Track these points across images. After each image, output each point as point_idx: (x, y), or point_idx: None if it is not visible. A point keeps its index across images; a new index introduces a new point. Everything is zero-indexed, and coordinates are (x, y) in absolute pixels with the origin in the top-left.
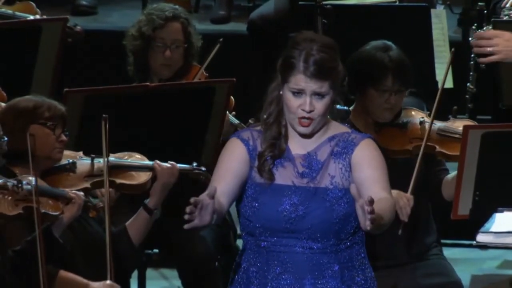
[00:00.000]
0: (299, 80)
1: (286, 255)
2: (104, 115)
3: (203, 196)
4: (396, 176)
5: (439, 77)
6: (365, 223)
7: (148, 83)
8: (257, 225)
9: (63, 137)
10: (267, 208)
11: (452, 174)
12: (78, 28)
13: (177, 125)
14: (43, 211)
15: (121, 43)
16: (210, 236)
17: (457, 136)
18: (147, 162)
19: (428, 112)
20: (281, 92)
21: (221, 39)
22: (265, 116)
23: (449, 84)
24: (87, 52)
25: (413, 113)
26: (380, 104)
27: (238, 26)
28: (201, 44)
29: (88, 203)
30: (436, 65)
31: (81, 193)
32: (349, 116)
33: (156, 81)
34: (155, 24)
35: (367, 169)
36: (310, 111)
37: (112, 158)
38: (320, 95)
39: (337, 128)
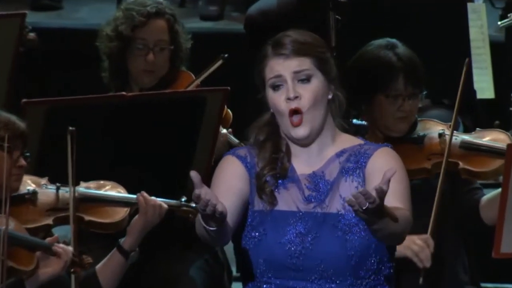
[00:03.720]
0: (273, 65)
1: None
2: (70, 128)
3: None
4: (412, 201)
5: (478, 84)
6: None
7: (124, 93)
8: (259, 261)
9: (22, 162)
10: (269, 239)
11: (492, 193)
12: (31, 35)
13: (159, 143)
14: (10, 265)
15: (92, 45)
16: (199, 277)
17: (484, 148)
18: (126, 195)
19: (449, 124)
20: (271, 110)
21: (225, 55)
22: (255, 136)
23: (489, 93)
24: (50, 55)
25: (431, 125)
26: (392, 113)
27: (233, 24)
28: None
29: (75, 257)
30: (474, 71)
31: (70, 248)
32: (367, 132)
33: (136, 90)
34: (134, 22)
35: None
36: (295, 97)
37: (82, 188)
38: (304, 78)
39: (347, 141)
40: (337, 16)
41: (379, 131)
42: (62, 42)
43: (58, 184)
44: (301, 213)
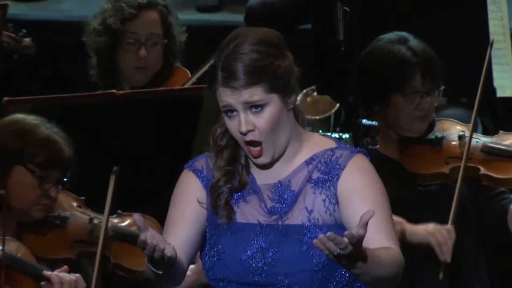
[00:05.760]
0: (222, 95)
1: None
2: (115, 168)
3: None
4: (429, 208)
5: (498, 82)
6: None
7: (114, 91)
8: (218, 277)
9: (53, 193)
10: (228, 258)
11: None
12: (27, 41)
13: (153, 145)
14: None
15: (80, 39)
16: None
17: (508, 154)
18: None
19: (469, 126)
20: None
21: None
22: (215, 138)
23: (510, 91)
24: (35, 49)
25: (450, 125)
26: (409, 112)
27: (232, 16)
28: (186, 40)
29: None
30: (494, 67)
31: (69, 277)
32: (378, 133)
33: (128, 89)
34: (124, 14)
35: (360, 204)
36: (248, 132)
37: (117, 222)
38: (257, 106)
39: (317, 144)
40: (345, 8)
41: (394, 132)
42: (46, 35)
43: (92, 214)
44: (262, 227)
